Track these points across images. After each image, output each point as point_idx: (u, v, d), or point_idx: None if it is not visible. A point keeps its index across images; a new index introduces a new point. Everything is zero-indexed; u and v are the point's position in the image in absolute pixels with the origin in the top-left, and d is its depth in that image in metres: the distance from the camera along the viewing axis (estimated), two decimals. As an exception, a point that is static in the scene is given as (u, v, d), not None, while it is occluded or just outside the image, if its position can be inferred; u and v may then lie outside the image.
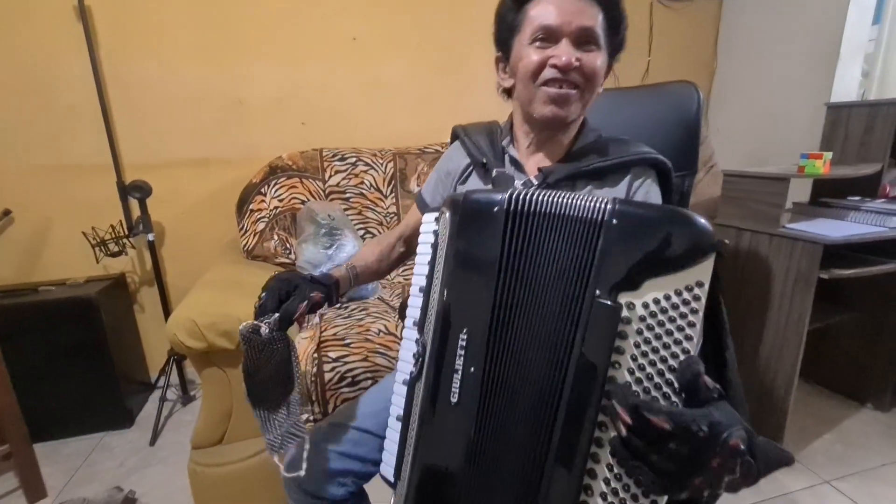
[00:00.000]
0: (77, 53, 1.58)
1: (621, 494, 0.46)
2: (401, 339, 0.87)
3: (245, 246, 1.62)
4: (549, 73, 0.68)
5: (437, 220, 0.61)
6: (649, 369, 0.45)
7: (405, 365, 0.62)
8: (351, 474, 0.76)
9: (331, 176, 1.74)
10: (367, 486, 0.81)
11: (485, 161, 0.77)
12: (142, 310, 1.87)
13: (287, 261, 1.63)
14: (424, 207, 0.87)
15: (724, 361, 0.54)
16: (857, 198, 1.46)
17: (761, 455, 0.39)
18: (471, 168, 0.81)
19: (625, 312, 0.46)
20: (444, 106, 2.03)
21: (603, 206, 0.50)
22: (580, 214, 0.51)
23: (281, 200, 1.66)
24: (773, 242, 1.36)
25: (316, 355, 1.22)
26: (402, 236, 0.90)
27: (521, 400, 0.51)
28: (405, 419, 0.59)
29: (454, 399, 0.53)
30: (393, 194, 1.80)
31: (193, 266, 1.80)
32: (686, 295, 0.44)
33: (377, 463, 0.67)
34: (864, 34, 1.92)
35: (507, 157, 0.78)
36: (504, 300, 0.52)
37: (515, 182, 0.75)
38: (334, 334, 1.27)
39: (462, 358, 0.53)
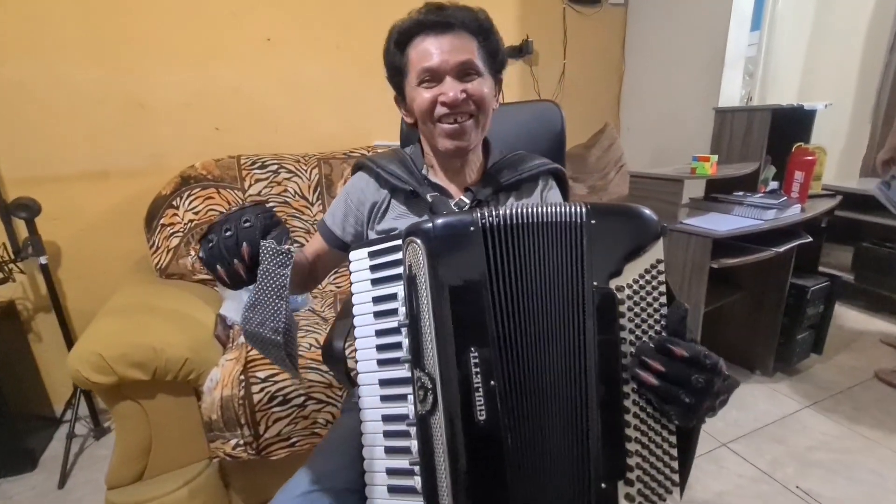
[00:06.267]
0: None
1: (651, 446, 0.54)
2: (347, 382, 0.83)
3: (157, 264, 1.51)
4: (441, 109, 0.73)
5: (402, 252, 0.58)
6: (643, 333, 0.56)
7: (374, 413, 0.59)
8: None
9: (251, 185, 1.66)
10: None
11: (411, 188, 0.79)
12: (38, 339, 1.68)
13: (207, 277, 1.54)
14: (333, 239, 0.86)
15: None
16: (741, 193, 1.65)
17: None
18: (389, 199, 0.82)
19: (618, 294, 0.55)
20: (369, 107, 2.00)
21: (580, 209, 0.56)
22: (561, 220, 0.56)
23: (196, 213, 1.56)
24: (673, 237, 1.51)
25: (242, 377, 1.17)
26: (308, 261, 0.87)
27: (551, 393, 0.54)
28: (424, 459, 0.55)
29: (481, 417, 0.53)
30: (319, 201, 1.76)
31: (98, 288, 1.64)
32: (653, 271, 0.55)
33: None
34: (744, 43, 2.15)
35: (429, 184, 0.81)
36: (502, 308, 0.54)
37: (450, 204, 0.79)
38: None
39: (478, 375, 0.53)
